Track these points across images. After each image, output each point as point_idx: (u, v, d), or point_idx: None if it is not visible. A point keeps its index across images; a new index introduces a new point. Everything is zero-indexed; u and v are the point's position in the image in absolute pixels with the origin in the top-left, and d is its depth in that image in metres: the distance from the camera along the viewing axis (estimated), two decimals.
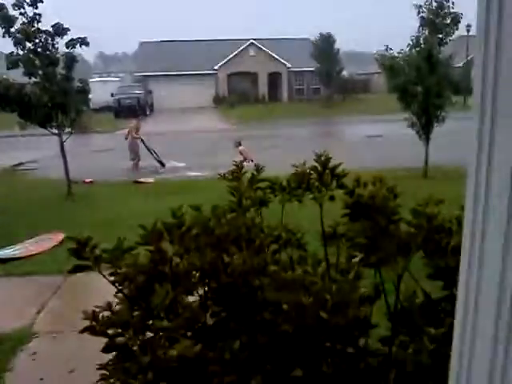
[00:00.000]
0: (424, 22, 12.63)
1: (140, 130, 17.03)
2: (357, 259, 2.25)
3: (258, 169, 3.07)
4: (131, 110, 34.85)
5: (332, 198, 2.64)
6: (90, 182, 13.90)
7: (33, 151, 20.10)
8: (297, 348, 2.04)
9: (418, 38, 12.72)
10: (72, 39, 11.46)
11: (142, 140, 16.45)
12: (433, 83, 12.30)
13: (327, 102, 41.26)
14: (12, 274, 6.93)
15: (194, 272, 2.25)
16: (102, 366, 2.09)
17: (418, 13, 12.66)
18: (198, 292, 2.32)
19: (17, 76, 11.75)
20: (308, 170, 2.74)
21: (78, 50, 11.70)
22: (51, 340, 5.11)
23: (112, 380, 2.06)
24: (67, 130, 12.04)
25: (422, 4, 12.65)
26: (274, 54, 47.63)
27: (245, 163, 3.31)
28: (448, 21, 12.65)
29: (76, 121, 12.28)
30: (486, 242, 0.99)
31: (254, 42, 47.90)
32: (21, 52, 11.10)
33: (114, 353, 2.10)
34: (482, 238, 1.00)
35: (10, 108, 11.44)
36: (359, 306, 2.00)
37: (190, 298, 2.28)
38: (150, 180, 14.14)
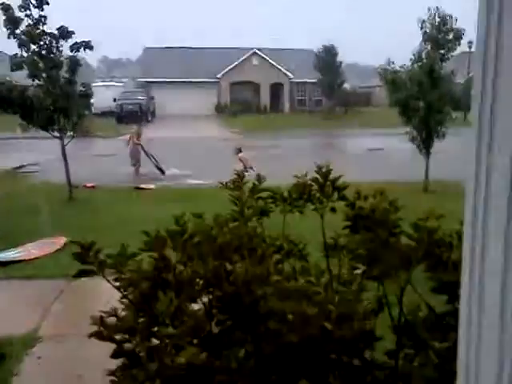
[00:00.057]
0: (427, 37, 12.72)
1: (141, 136, 17.08)
2: (359, 271, 2.27)
3: (260, 178, 3.09)
4: (133, 115, 34.89)
5: (333, 210, 2.66)
6: (92, 186, 13.88)
7: (34, 154, 20.11)
8: (302, 359, 2.06)
9: (420, 52, 12.83)
10: (76, 43, 11.44)
11: (142, 146, 16.50)
12: (434, 98, 12.38)
13: (329, 113, 41.40)
14: (13, 277, 6.89)
15: (197, 280, 2.27)
16: (110, 373, 2.11)
17: (421, 27, 12.77)
18: (201, 300, 2.34)
19: (20, 78, 11.78)
20: (309, 182, 2.77)
21: (82, 53, 11.72)
22: (56, 344, 5.11)
23: None
24: (69, 133, 12.03)
25: (426, 19, 12.76)
26: (276, 64, 47.89)
27: (245, 172, 3.34)
28: (450, 36, 12.73)
29: (78, 125, 12.23)
30: (486, 256, 0.99)
31: (257, 51, 48.18)
32: (25, 54, 11.07)
33: (122, 359, 2.12)
34: (481, 253, 1.00)
35: (12, 110, 11.43)
36: (364, 319, 2.02)
37: (195, 306, 2.30)
38: (151, 186, 14.15)
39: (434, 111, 12.48)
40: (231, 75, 48.00)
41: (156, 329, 2.15)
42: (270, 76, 48.02)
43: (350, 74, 47.02)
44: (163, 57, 48.52)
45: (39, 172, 16.81)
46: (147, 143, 17.18)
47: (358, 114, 42.60)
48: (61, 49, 11.38)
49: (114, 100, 39.78)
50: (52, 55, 11.22)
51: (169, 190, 13.53)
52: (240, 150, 15.09)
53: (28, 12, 10.87)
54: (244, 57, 48.06)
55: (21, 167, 17.89)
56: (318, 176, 2.70)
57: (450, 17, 12.69)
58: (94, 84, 30.26)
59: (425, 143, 12.82)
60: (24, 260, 7.40)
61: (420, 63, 12.75)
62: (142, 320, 2.19)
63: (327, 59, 41.65)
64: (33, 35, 10.91)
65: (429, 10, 12.58)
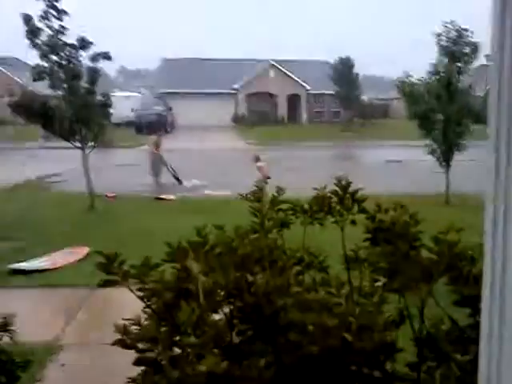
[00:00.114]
0: (443, 51, 12.69)
1: (160, 146, 17.24)
2: (380, 283, 2.28)
3: (279, 190, 3.11)
4: (152, 125, 35.07)
5: (354, 223, 2.68)
6: (113, 196, 14.00)
7: (57, 164, 20.44)
8: (323, 370, 2.07)
9: (437, 65, 12.78)
10: (96, 53, 11.57)
11: (160, 157, 16.67)
12: (453, 111, 12.34)
13: (347, 125, 41.33)
14: (37, 286, 6.98)
15: (218, 290, 2.31)
16: (131, 380, 2.14)
17: (437, 41, 12.73)
18: (223, 310, 2.37)
19: (42, 88, 11.92)
20: (328, 194, 2.79)
21: (100, 63, 11.79)
22: (80, 352, 5.18)
23: None
24: (90, 143, 12.15)
25: (442, 32, 12.72)
26: (293, 76, 48.05)
27: (264, 183, 3.37)
28: (467, 50, 12.67)
29: (99, 135, 12.28)
30: (507, 269, 1.01)
31: (274, 63, 48.41)
32: (46, 64, 11.21)
33: (143, 367, 2.15)
34: (502, 265, 1.01)
35: (35, 120, 11.63)
36: (384, 330, 2.03)
37: (217, 316, 2.33)
38: (172, 197, 14.25)
39: (452, 124, 12.42)
40: (248, 87, 48.28)
41: (178, 338, 2.18)
42: (287, 88, 48.18)
43: (366, 85, 46.84)
44: (181, 68, 49.00)
45: (62, 182, 17.05)
46: (167, 154, 17.34)
47: (376, 125, 42.48)
48: (80, 59, 11.53)
49: (132, 110, 40.13)
50: (72, 65, 11.37)
51: (189, 201, 13.63)
52: (259, 158, 15.16)
53: (48, 22, 10.99)
54: (261, 69, 48.34)
55: (44, 177, 18.18)
56: (337, 188, 2.72)
57: (466, 30, 12.63)
58: (112, 94, 30.39)
59: (444, 156, 12.75)
60: (48, 269, 7.50)
61: (437, 76, 12.70)
62: (164, 329, 2.22)
63: (343, 71, 41.69)
64: (53, 46, 11.06)
65: (444, 23, 12.54)
